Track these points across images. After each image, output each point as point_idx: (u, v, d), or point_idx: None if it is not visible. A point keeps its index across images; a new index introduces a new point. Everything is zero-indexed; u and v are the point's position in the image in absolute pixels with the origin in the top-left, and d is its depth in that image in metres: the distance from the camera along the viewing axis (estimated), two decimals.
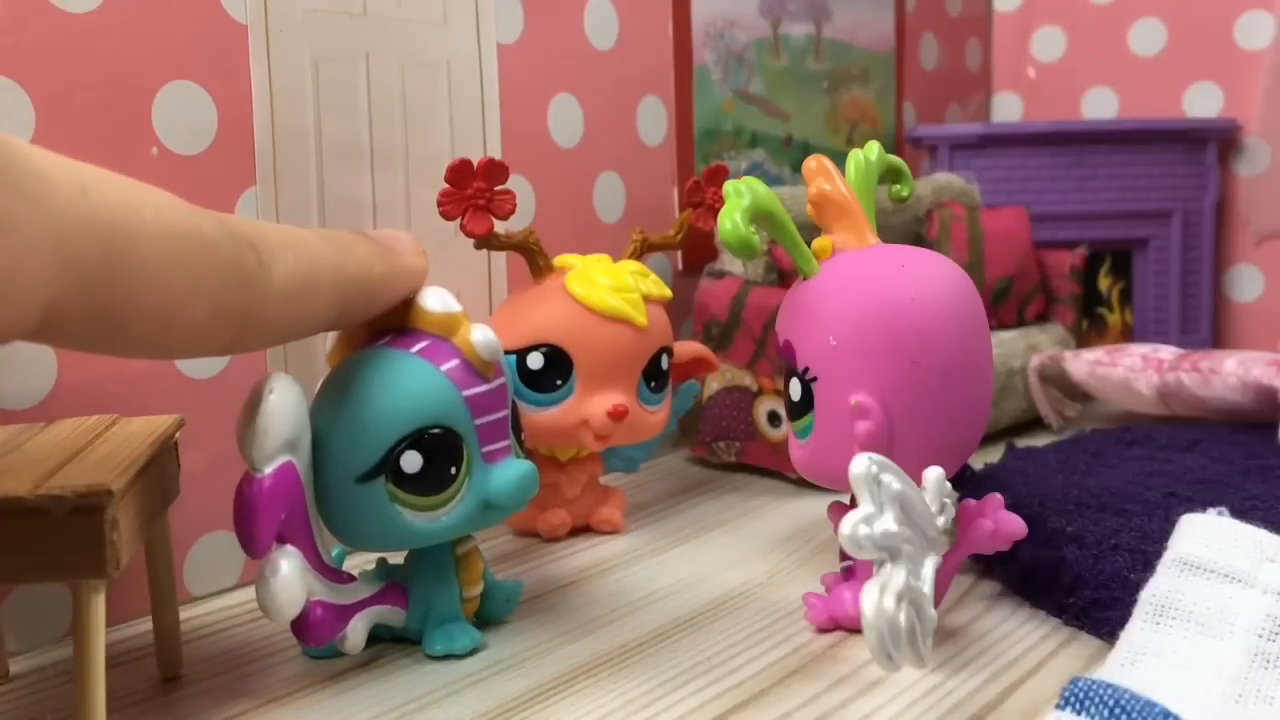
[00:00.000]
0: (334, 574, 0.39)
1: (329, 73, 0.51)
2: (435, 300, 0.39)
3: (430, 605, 0.41)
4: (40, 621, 0.43)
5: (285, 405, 0.36)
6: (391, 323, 0.40)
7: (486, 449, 0.40)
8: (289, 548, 0.37)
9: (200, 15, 0.46)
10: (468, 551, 0.42)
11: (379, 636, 0.42)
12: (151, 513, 0.36)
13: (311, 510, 0.38)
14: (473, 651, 0.41)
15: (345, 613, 0.39)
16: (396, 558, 0.43)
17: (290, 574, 0.36)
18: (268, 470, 0.36)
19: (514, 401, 0.42)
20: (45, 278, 0.26)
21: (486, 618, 0.43)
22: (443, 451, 0.38)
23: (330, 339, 0.41)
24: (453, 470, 0.39)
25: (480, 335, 0.39)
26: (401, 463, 0.38)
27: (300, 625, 0.38)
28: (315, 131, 0.50)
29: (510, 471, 0.40)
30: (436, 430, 0.38)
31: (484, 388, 0.39)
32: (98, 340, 0.29)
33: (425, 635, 0.41)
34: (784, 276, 0.64)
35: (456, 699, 0.38)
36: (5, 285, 0.25)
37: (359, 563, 0.44)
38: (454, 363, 0.39)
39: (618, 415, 0.50)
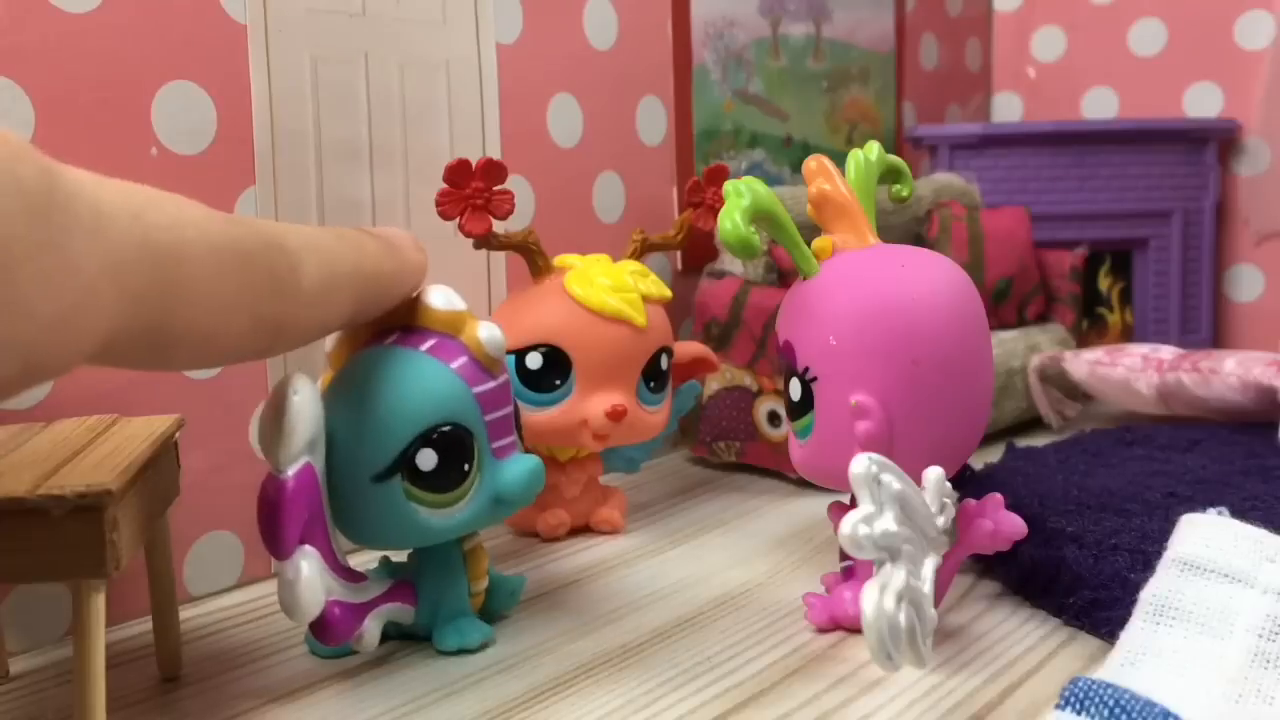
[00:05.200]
0: (349, 573, 0.39)
1: (328, 73, 0.51)
2: (440, 298, 0.40)
3: (440, 601, 0.41)
4: (40, 621, 0.43)
5: (309, 406, 0.36)
6: (396, 321, 0.40)
7: (496, 445, 0.40)
8: (308, 548, 0.37)
9: (200, 15, 0.46)
10: (474, 547, 0.42)
11: (385, 634, 0.42)
12: (151, 513, 0.36)
13: (327, 511, 0.38)
14: (483, 645, 0.41)
15: (361, 611, 0.39)
16: (399, 555, 0.43)
17: (311, 575, 0.36)
18: (291, 471, 0.36)
19: (514, 399, 0.42)
20: (107, 311, 0.26)
21: (491, 612, 0.44)
22: (456, 448, 0.39)
23: (330, 339, 0.41)
24: (465, 467, 0.39)
25: (487, 332, 0.39)
26: (417, 460, 0.38)
27: (319, 625, 0.38)
28: (315, 131, 0.50)
29: (519, 466, 0.40)
30: (449, 427, 0.38)
31: (492, 384, 0.40)
32: (145, 359, 0.29)
33: (436, 631, 0.41)
34: (784, 276, 0.64)
35: (458, 698, 0.38)
36: (71, 325, 0.25)
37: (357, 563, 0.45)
38: (463, 360, 0.39)
39: (616, 415, 0.50)
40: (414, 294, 0.40)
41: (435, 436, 0.38)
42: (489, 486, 0.40)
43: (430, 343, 0.39)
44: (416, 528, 0.39)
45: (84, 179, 0.26)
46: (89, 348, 0.26)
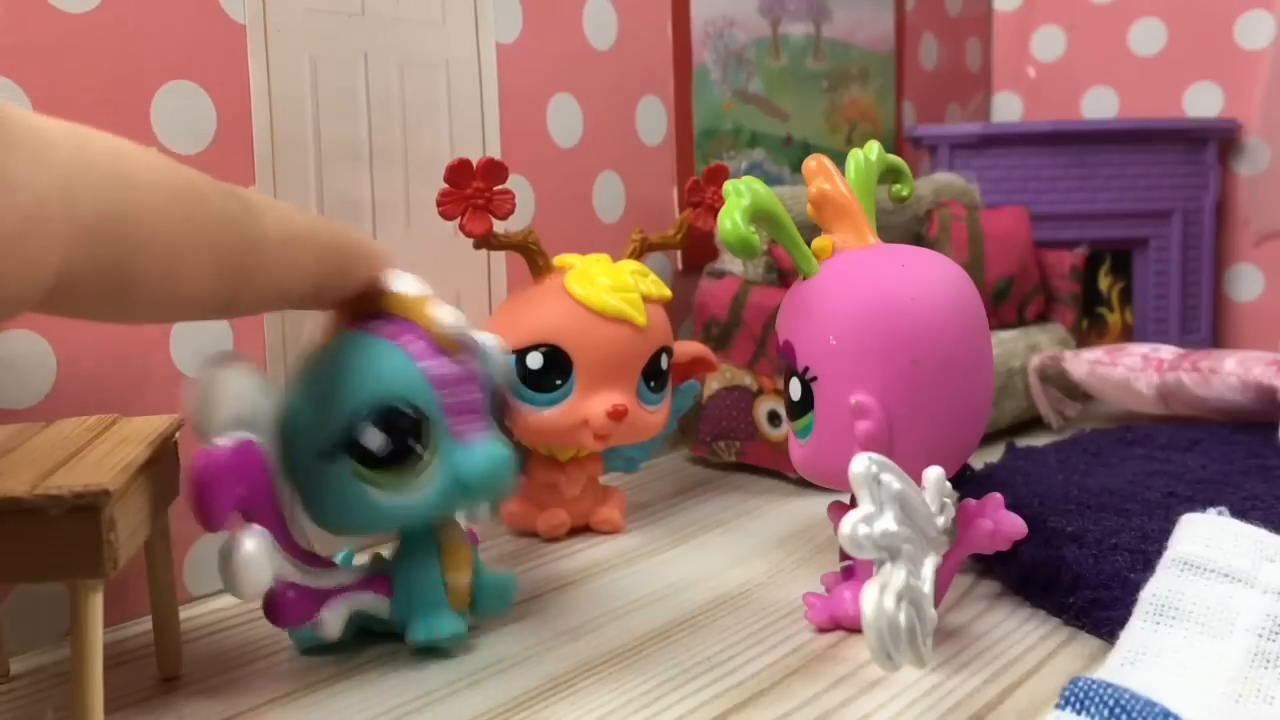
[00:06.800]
0: (308, 558, 0.39)
1: (328, 73, 0.51)
2: (400, 283, 0.40)
3: (413, 592, 0.41)
4: (40, 621, 0.43)
5: (232, 379, 0.36)
6: (361, 309, 0.40)
7: (456, 427, 0.39)
8: (255, 527, 0.37)
9: (199, 15, 0.46)
10: (452, 539, 0.42)
11: (370, 632, 0.42)
12: (150, 512, 0.36)
13: (280, 491, 0.38)
14: (453, 638, 0.41)
15: (318, 597, 0.39)
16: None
17: (253, 552, 0.36)
18: (221, 443, 0.36)
19: (501, 392, 0.42)
20: (58, 236, 0.26)
21: (483, 611, 0.43)
22: (403, 427, 0.38)
23: (307, 335, 0.42)
24: (416, 447, 0.39)
25: (443, 313, 0.39)
26: (363, 439, 0.38)
27: (269, 606, 0.38)
28: (314, 131, 0.50)
29: (480, 451, 0.39)
30: (396, 406, 0.38)
31: (447, 364, 0.39)
32: (108, 300, 0.29)
33: (408, 623, 0.41)
34: (784, 276, 0.64)
35: (458, 698, 0.38)
36: (21, 246, 0.25)
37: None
38: (413, 339, 0.39)
39: (617, 415, 0.50)
40: (378, 283, 0.40)
41: (379, 414, 0.38)
42: (449, 471, 0.39)
43: (383, 325, 0.39)
44: (370, 510, 0.39)
45: (22, 110, 0.26)
46: (41, 278, 0.26)
